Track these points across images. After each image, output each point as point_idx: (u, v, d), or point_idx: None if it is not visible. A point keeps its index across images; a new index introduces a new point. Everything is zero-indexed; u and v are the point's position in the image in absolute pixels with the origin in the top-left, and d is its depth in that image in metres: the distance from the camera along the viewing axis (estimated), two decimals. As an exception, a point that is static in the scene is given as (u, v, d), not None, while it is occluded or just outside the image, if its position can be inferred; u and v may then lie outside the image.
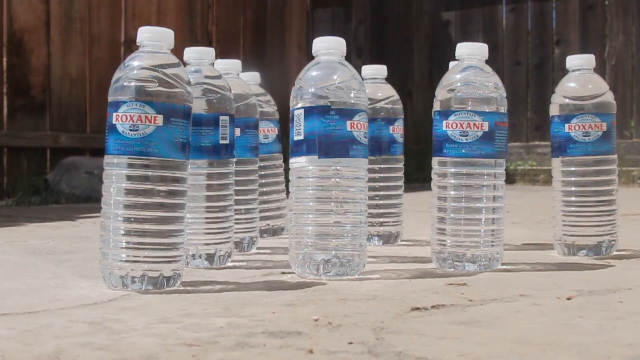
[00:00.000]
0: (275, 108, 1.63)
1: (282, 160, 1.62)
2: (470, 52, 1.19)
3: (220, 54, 3.64)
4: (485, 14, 4.21)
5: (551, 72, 3.99)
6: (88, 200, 2.82)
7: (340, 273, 1.10)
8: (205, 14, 3.61)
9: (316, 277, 1.10)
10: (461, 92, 1.17)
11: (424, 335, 0.77)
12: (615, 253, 1.35)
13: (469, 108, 1.16)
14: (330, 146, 1.09)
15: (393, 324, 0.82)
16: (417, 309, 0.90)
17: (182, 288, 1.04)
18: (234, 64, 1.44)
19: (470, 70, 1.18)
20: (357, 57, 4.38)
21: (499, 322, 0.84)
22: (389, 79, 1.55)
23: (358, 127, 1.10)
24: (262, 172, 1.56)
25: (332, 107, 1.09)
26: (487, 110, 1.16)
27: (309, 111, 1.09)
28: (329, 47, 1.13)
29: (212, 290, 1.03)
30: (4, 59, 2.95)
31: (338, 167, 1.10)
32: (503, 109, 1.18)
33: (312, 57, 1.15)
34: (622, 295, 0.99)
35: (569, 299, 0.96)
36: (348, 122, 1.09)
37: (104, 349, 0.72)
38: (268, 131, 1.59)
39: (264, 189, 1.58)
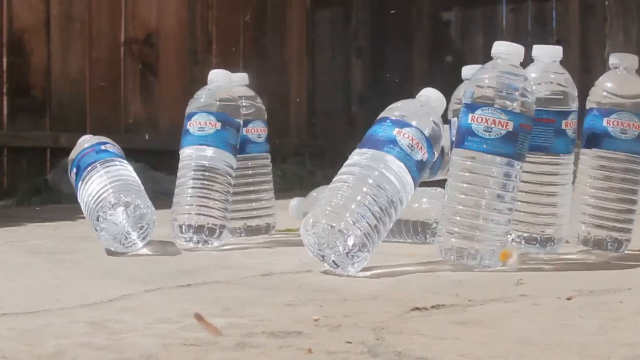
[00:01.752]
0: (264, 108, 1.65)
1: (270, 159, 1.64)
2: (507, 52, 1.20)
3: (220, 54, 3.65)
4: (485, 14, 4.21)
5: (551, 72, 3.98)
6: (88, 200, 2.81)
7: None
8: (205, 14, 3.61)
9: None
10: (490, 88, 1.17)
11: (424, 335, 0.77)
12: (615, 253, 1.34)
13: (497, 105, 1.16)
14: None
15: (393, 324, 0.82)
16: (417, 309, 0.90)
17: (182, 288, 1.04)
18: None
19: (502, 70, 1.19)
20: (357, 57, 4.37)
21: (499, 322, 0.84)
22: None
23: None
24: (258, 171, 1.58)
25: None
26: (512, 110, 1.16)
27: None
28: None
29: (212, 290, 1.04)
30: (4, 59, 2.94)
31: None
32: (529, 112, 1.18)
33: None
34: (622, 295, 0.99)
35: (569, 299, 0.96)
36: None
37: (104, 349, 0.72)
38: (261, 130, 1.61)
39: (257, 188, 1.60)
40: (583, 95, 1.34)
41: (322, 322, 0.83)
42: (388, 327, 0.80)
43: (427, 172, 1.27)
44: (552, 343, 0.74)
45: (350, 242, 1.11)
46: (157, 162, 3.03)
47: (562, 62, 1.35)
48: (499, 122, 1.16)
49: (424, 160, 1.19)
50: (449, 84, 1.54)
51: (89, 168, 1.40)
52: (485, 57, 1.23)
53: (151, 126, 3.33)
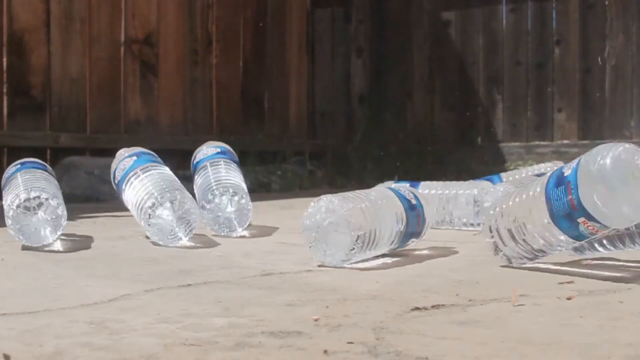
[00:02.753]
0: None
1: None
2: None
3: (220, 54, 3.64)
4: (485, 14, 4.21)
5: (551, 72, 3.99)
6: (88, 200, 2.81)
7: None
8: (205, 14, 3.61)
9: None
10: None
11: (424, 335, 0.77)
12: (614, 254, 1.34)
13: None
14: None
15: (393, 324, 0.82)
16: (417, 309, 0.90)
17: (182, 288, 1.04)
18: None
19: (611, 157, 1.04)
20: (357, 57, 4.38)
21: (499, 322, 0.84)
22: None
23: None
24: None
25: None
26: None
27: None
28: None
29: (212, 290, 1.03)
30: (4, 59, 2.94)
31: None
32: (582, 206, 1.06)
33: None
34: (622, 295, 0.99)
35: (569, 299, 0.96)
36: None
37: (104, 349, 0.72)
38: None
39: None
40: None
41: (322, 322, 0.83)
42: (388, 327, 0.80)
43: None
44: (552, 343, 0.74)
45: (350, 221, 1.17)
46: (156, 161, 3.03)
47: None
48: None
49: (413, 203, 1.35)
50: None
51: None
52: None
53: (151, 126, 3.33)
